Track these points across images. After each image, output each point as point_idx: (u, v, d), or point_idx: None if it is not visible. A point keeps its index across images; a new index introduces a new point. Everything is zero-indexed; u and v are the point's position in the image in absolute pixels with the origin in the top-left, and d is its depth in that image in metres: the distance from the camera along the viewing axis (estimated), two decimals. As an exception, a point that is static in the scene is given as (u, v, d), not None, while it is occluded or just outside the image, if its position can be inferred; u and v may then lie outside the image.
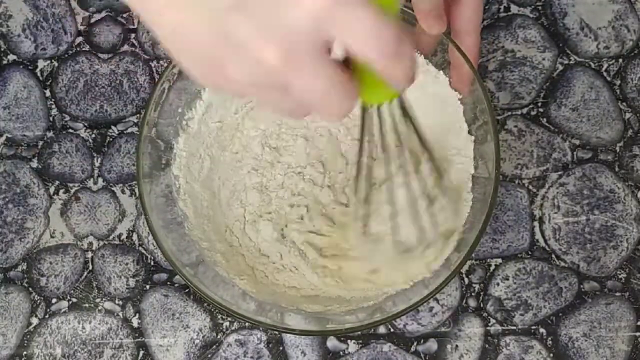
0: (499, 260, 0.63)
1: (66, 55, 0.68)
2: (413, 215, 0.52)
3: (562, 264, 0.63)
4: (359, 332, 0.61)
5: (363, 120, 0.44)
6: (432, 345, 0.61)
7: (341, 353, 0.61)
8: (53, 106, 0.67)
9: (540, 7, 0.68)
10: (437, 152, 0.57)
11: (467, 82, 0.55)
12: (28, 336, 0.62)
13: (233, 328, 0.62)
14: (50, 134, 0.66)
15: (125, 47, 0.68)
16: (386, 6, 0.35)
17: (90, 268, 0.63)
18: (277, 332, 0.61)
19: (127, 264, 0.63)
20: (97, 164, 0.66)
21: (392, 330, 0.61)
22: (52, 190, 0.65)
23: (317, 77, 0.33)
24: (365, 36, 0.32)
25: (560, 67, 0.67)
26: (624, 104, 0.66)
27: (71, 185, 0.65)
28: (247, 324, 0.61)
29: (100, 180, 0.65)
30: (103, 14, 0.69)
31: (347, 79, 0.34)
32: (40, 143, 0.66)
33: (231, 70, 0.33)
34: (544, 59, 0.67)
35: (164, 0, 0.33)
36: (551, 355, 0.61)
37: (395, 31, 0.33)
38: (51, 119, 0.67)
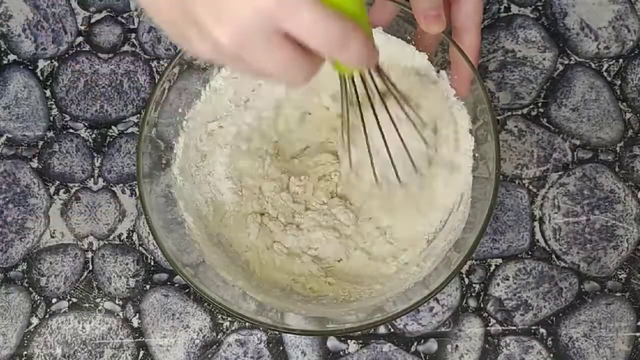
0: (499, 261, 0.63)
1: (66, 55, 0.68)
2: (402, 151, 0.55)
3: (562, 264, 0.63)
4: (359, 332, 0.61)
5: (343, 84, 0.49)
6: (432, 345, 0.61)
7: (341, 353, 0.61)
8: (53, 106, 0.67)
9: (540, 7, 0.68)
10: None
11: (468, 81, 0.55)
12: (28, 336, 0.62)
13: (233, 328, 0.62)
14: (50, 134, 0.66)
15: (126, 47, 0.68)
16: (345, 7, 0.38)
17: (91, 268, 0.63)
18: (277, 332, 0.61)
19: (127, 264, 0.63)
20: (97, 164, 0.66)
21: (392, 330, 0.61)
22: (52, 190, 0.65)
23: (267, 57, 0.37)
24: (308, 30, 0.36)
25: (561, 67, 0.67)
26: (624, 104, 0.66)
27: (71, 185, 0.65)
28: (247, 324, 0.61)
29: (100, 180, 0.65)
30: (103, 14, 0.69)
31: (300, 56, 0.38)
32: (41, 143, 0.66)
33: (195, 44, 0.38)
34: (544, 59, 0.67)
35: None
36: (551, 355, 0.61)
37: (339, 22, 0.36)
38: (51, 119, 0.67)
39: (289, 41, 0.37)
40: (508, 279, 0.62)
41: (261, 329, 0.61)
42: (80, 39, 0.68)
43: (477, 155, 0.57)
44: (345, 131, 0.55)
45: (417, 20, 0.54)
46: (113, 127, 0.67)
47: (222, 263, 0.57)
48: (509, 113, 0.66)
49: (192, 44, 0.39)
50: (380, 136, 0.52)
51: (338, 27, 0.37)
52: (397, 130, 0.53)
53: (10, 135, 0.66)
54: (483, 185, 0.55)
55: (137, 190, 0.63)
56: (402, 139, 0.54)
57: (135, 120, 0.67)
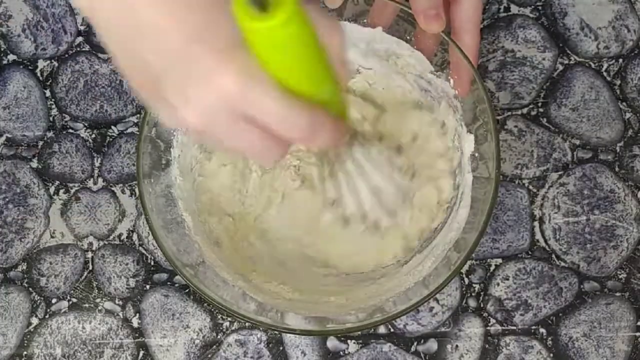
0: (499, 260, 0.63)
1: (66, 55, 0.68)
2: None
3: (562, 264, 0.63)
4: (359, 332, 0.61)
5: None
6: (432, 345, 0.61)
7: (341, 353, 0.61)
8: (53, 106, 0.67)
9: (540, 7, 0.68)
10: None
11: (468, 81, 0.55)
12: (28, 336, 0.62)
13: (233, 328, 0.62)
14: (50, 134, 0.66)
15: (125, 47, 0.68)
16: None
17: (90, 268, 0.63)
18: (277, 332, 0.61)
19: (127, 264, 0.63)
20: (97, 164, 0.66)
21: (392, 330, 0.61)
22: (52, 190, 0.65)
23: (234, 139, 0.38)
24: (274, 121, 0.36)
25: (560, 67, 0.67)
26: (624, 104, 0.66)
27: (71, 185, 0.65)
28: (247, 324, 0.61)
29: (100, 180, 0.65)
30: (103, 14, 0.69)
31: (268, 140, 0.38)
32: (40, 143, 0.66)
33: (164, 117, 0.39)
34: (544, 59, 0.67)
35: (111, 49, 0.38)
36: (551, 355, 0.61)
37: (305, 113, 0.36)
38: (51, 119, 0.67)
39: (256, 125, 0.37)
40: (508, 279, 0.62)
41: (261, 329, 0.61)
42: (80, 39, 0.68)
43: (477, 155, 0.57)
44: (326, 163, 0.54)
45: (417, 19, 0.54)
46: (113, 127, 0.67)
47: (222, 263, 0.57)
48: (509, 113, 0.66)
49: (161, 116, 0.39)
50: (359, 174, 0.52)
51: (305, 118, 0.36)
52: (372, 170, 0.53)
53: (10, 135, 0.66)
54: (483, 185, 0.55)
55: (137, 190, 0.63)
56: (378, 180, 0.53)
57: (135, 120, 0.67)
